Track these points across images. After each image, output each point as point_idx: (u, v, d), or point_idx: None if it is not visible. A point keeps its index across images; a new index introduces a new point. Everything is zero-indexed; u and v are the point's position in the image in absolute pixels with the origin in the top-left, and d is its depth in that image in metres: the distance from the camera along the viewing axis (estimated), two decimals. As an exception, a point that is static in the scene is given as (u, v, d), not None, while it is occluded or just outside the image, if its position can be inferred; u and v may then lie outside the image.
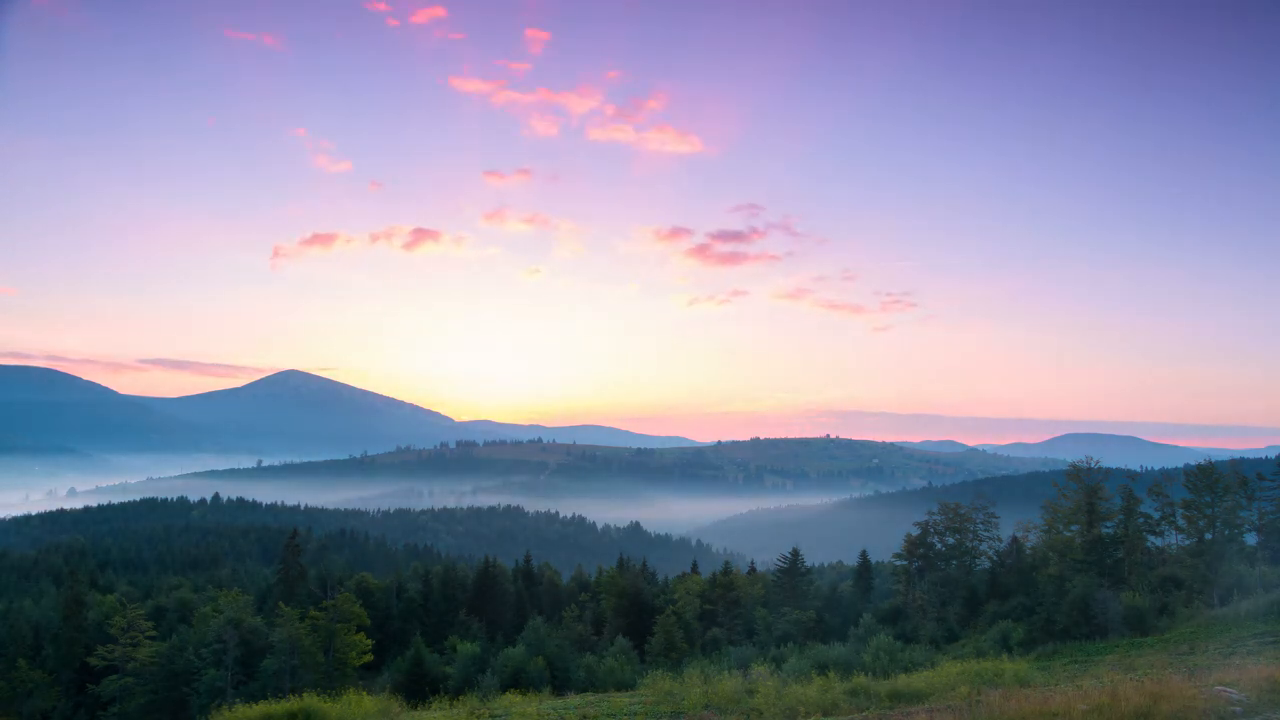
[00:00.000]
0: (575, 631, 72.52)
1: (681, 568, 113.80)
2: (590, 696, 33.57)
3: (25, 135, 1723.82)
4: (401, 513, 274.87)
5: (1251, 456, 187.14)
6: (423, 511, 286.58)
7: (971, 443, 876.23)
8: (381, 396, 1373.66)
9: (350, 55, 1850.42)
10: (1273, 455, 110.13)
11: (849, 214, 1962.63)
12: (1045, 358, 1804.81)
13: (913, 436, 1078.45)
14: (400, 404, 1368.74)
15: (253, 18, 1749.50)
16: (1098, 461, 67.62)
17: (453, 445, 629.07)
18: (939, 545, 72.11)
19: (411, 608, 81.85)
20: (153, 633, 62.62)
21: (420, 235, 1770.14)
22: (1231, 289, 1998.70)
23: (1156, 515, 65.71)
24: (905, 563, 73.32)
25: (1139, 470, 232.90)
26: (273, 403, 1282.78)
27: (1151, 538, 65.60)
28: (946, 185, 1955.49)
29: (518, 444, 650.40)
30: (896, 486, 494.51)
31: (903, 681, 27.19)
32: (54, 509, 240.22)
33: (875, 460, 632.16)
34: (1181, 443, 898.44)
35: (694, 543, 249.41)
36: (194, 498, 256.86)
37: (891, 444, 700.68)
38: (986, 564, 71.70)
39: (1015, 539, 72.36)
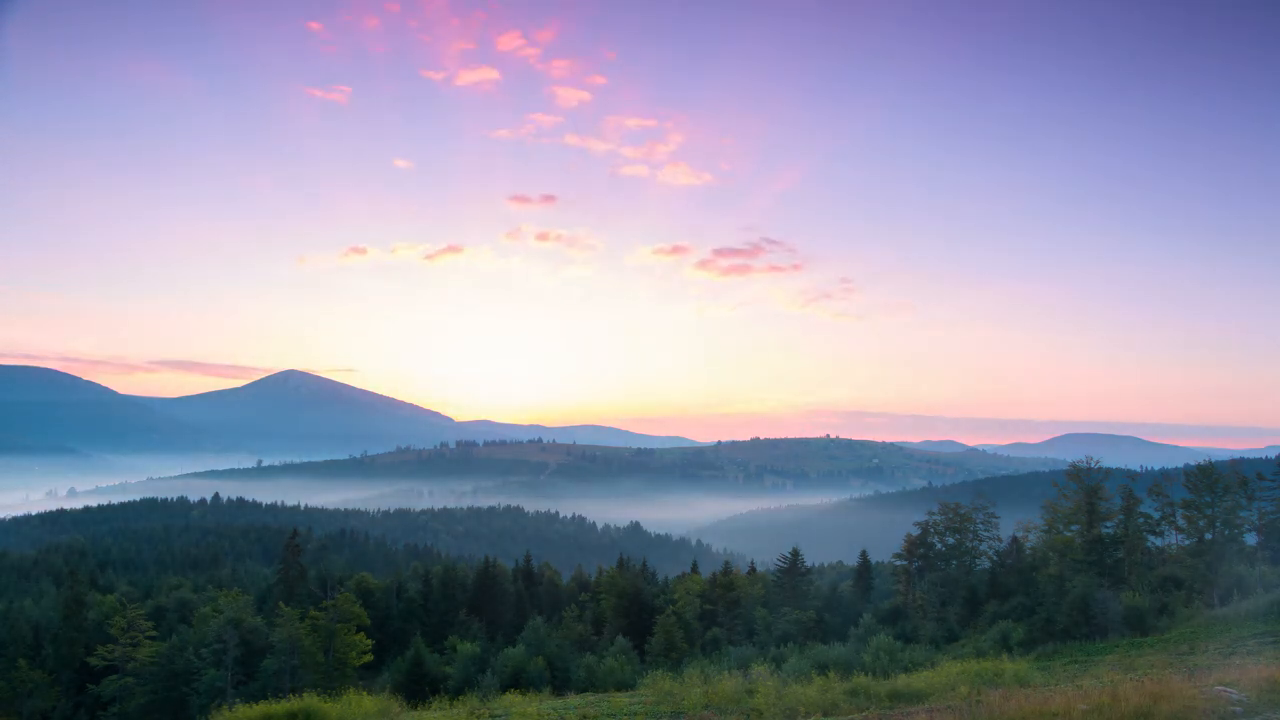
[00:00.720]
0: (575, 631, 72.46)
1: (681, 568, 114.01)
2: (590, 696, 33.50)
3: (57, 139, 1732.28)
4: (401, 513, 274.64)
5: (1251, 456, 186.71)
6: (423, 511, 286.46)
7: (971, 443, 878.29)
8: (381, 397, 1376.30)
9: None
10: (1273, 455, 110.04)
11: (850, 218, 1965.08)
12: (1045, 358, 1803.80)
13: (913, 437, 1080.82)
14: (400, 404, 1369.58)
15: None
16: (1098, 461, 67.61)
17: (453, 445, 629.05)
18: (939, 545, 72.12)
19: (411, 608, 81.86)
20: (153, 633, 62.61)
21: (440, 250, 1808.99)
22: (1231, 289, 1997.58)
23: (1156, 515, 65.79)
24: (905, 563, 73.34)
25: (1139, 470, 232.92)
26: (273, 403, 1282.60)
27: (1151, 538, 65.67)
28: (946, 185, 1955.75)
29: (518, 444, 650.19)
30: (896, 487, 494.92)
31: (903, 681, 27.16)
32: (54, 509, 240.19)
33: (875, 460, 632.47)
34: (1181, 443, 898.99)
35: (694, 543, 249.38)
36: (194, 498, 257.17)
37: (891, 444, 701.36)
38: (986, 564, 71.69)
39: (1015, 539, 72.37)
